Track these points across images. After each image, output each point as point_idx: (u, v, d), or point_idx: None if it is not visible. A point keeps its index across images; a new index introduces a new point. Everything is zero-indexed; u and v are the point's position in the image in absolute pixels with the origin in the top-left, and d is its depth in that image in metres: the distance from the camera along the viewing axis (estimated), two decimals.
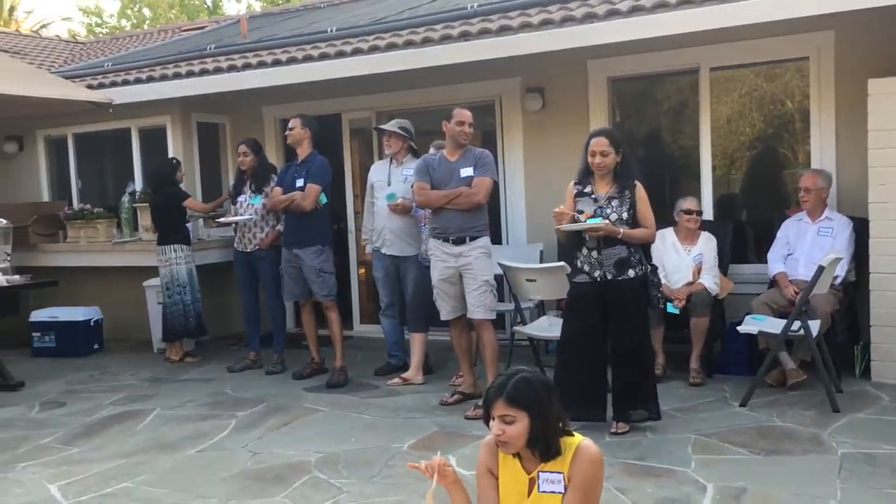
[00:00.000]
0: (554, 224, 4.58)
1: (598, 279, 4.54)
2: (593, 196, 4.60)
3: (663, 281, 5.65)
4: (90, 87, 7.69)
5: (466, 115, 5.22)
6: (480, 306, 5.18)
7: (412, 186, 5.56)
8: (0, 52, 9.13)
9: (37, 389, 6.29)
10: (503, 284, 6.45)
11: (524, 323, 5.75)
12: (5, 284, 6.45)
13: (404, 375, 5.96)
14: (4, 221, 6.58)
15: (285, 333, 6.90)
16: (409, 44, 6.46)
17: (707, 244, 5.84)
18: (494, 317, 5.28)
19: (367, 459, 4.33)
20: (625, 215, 4.52)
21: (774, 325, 5.11)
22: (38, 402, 5.90)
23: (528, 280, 5.44)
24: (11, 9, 23.49)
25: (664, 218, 5.73)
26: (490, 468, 2.62)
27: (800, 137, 6.29)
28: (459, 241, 5.21)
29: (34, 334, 7.70)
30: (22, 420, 5.48)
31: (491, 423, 2.52)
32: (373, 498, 3.83)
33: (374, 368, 6.34)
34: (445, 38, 6.32)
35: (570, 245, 4.72)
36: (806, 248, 5.62)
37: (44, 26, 23.89)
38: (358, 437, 4.74)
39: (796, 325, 4.92)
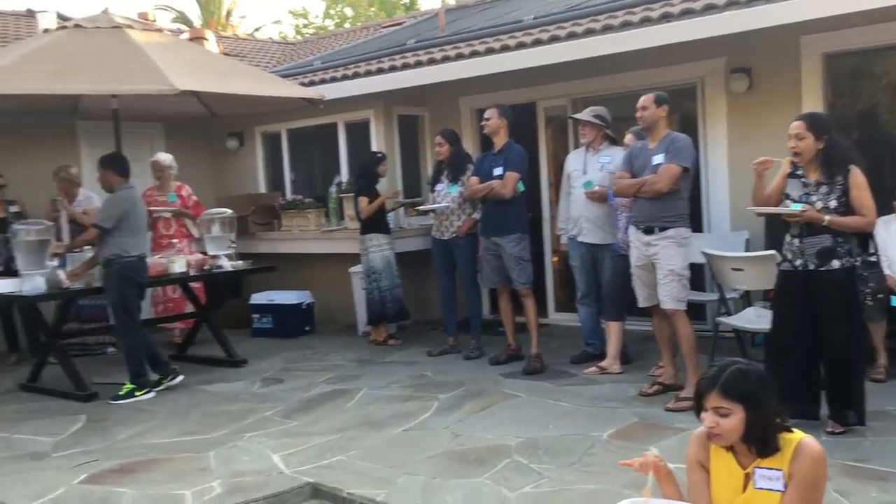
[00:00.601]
0: (752, 196, 4.40)
1: (801, 268, 4.30)
2: (803, 180, 4.35)
3: (886, 272, 5.25)
4: (302, 85, 8.20)
5: (641, 99, 5.15)
6: (669, 297, 5.05)
7: (610, 174, 5.51)
8: (227, 55, 9.94)
9: (258, 366, 6.83)
10: (703, 273, 6.25)
11: (729, 313, 5.53)
12: (230, 269, 7.02)
13: (601, 364, 5.93)
14: (229, 211, 7.15)
15: (481, 319, 7.05)
16: (608, 28, 6.37)
17: None
18: (685, 307, 5.12)
19: (566, 446, 4.35)
20: (833, 203, 4.23)
21: None
22: (260, 379, 6.40)
23: (733, 269, 5.23)
24: (228, 13, 25.49)
25: (886, 204, 5.29)
26: (701, 461, 2.57)
27: None
28: (649, 231, 5.11)
29: (254, 315, 8.35)
30: (246, 394, 5.98)
31: (703, 414, 2.46)
32: (574, 485, 3.84)
33: (569, 356, 6.35)
34: (645, 21, 6.16)
35: (778, 229, 4.50)
36: None
37: (256, 29, 25.74)
38: (556, 424, 4.77)
39: None
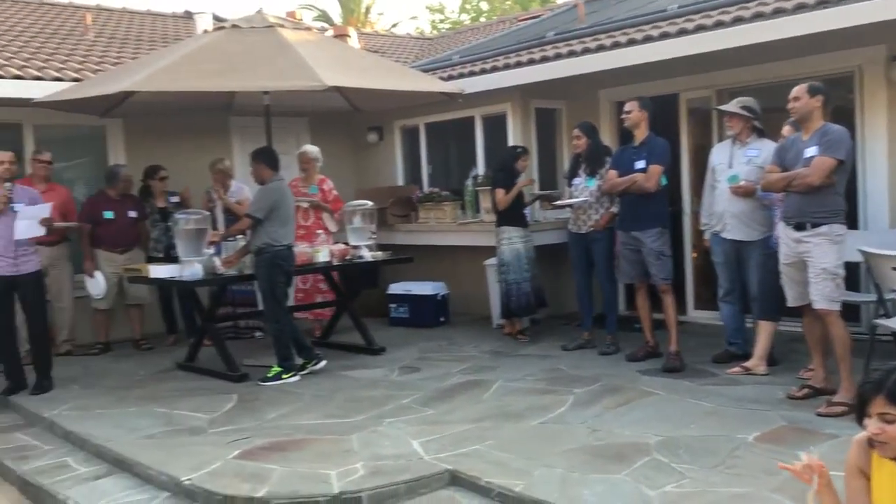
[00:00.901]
0: None
1: None
2: None
3: None
4: (441, 79, 8.33)
5: (794, 90, 4.91)
6: (820, 296, 4.80)
7: (758, 168, 5.30)
8: (369, 51, 10.22)
9: (395, 355, 7.00)
10: (859, 273, 5.93)
11: (888, 315, 5.22)
12: (370, 259, 7.23)
13: (746, 364, 5.73)
14: (370, 203, 7.36)
15: (618, 315, 6.96)
16: (758, 16, 6.14)
17: None
18: (838, 308, 4.86)
19: (709, 447, 4.24)
20: None
21: None
22: (398, 367, 6.57)
23: (893, 268, 4.92)
24: (367, 10, 26.15)
25: None
26: (862, 468, 2.45)
27: None
28: (800, 227, 4.88)
29: (391, 305, 8.57)
30: (385, 381, 6.15)
31: (866, 421, 2.35)
32: (717, 487, 3.75)
33: (709, 355, 6.17)
34: (800, 7, 5.90)
35: None
36: None
37: (394, 25, 26.30)
38: (698, 424, 4.65)
39: None
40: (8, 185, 6.01)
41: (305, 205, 7.68)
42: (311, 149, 7.90)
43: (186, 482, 4.11)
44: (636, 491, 3.74)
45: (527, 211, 7.56)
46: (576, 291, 7.05)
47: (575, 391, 5.49)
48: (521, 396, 5.47)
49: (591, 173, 6.68)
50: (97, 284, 7.50)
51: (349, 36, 11.15)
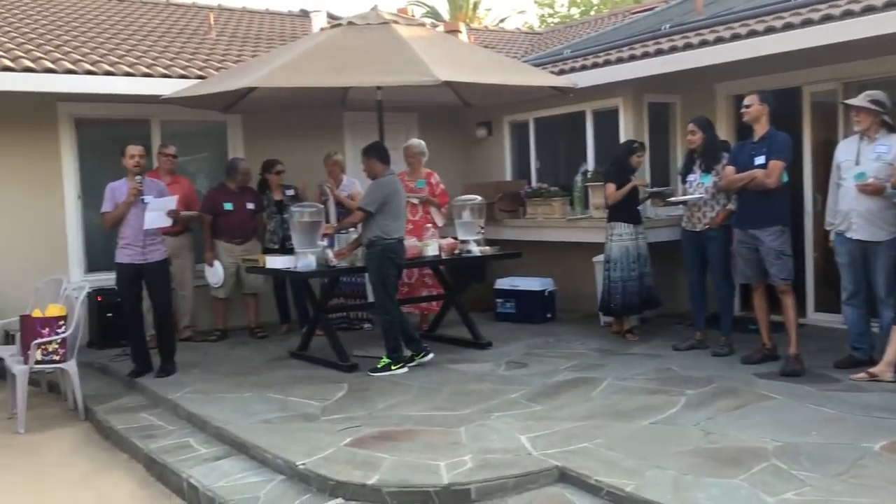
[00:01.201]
0: None
1: None
2: None
3: None
4: (552, 73, 8.26)
5: None
6: None
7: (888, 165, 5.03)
8: (478, 46, 10.24)
9: (502, 349, 7.01)
10: None
11: None
12: (479, 254, 7.26)
13: (872, 370, 5.45)
14: (480, 198, 7.39)
15: (732, 315, 6.74)
16: (890, 5, 5.81)
17: None
18: None
19: (832, 455, 4.06)
20: None
21: None
22: (504, 362, 6.57)
23: None
24: (475, 6, 26.20)
25: None
26: None
27: None
28: None
29: (497, 300, 8.58)
30: (492, 375, 6.16)
31: None
32: (841, 497, 3.58)
33: (831, 360, 5.90)
34: None
35: None
36: None
37: (502, 20, 26.25)
38: (820, 431, 4.46)
39: None
40: (139, 177, 6.34)
41: (416, 201, 7.74)
42: (417, 142, 7.96)
43: (301, 467, 4.24)
44: (754, 496, 3.62)
45: (640, 207, 7.39)
46: (689, 290, 6.87)
47: (687, 392, 5.36)
48: (630, 396, 5.39)
49: (707, 169, 6.49)
50: (216, 273, 7.83)
51: (459, 31, 11.21)
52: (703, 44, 7.07)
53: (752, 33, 6.70)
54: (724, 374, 5.78)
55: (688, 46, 7.21)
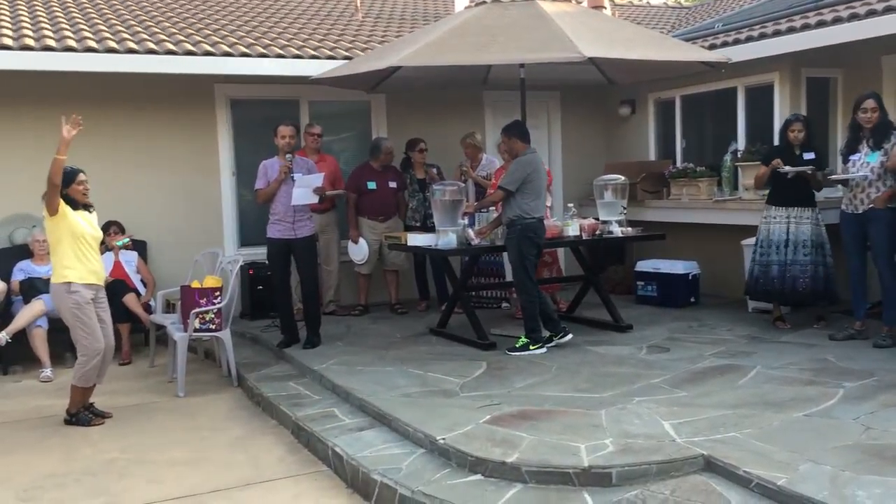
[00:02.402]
0: None
1: None
2: None
3: None
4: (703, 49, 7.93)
5: None
6: None
7: None
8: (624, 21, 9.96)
9: (643, 333, 6.84)
10: None
11: None
12: (620, 235, 7.10)
13: None
14: (622, 178, 7.21)
15: None
16: None
17: None
18: None
19: None
20: None
21: None
22: (645, 345, 6.41)
23: None
24: None
25: None
26: None
27: None
28: None
29: (638, 283, 8.37)
30: (633, 359, 6.03)
31: None
32: None
33: None
34: None
35: None
36: None
37: None
38: None
39: None
40: (289, 156, 6.57)
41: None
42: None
43: (441, 441, 4.29)
44: None
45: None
46: (849, 276, 6.45)
47: (845, 385, 5.05)
48: (782, 385, 5.13)
49: (877, 146, 6.06)
50: (360, 250, 8.04)
51: (604, 7, 10.94)
52: (871, 14, 6.58)
53: None
54: (887, 367, 5.41)
55: (853, 17, 6.73)
